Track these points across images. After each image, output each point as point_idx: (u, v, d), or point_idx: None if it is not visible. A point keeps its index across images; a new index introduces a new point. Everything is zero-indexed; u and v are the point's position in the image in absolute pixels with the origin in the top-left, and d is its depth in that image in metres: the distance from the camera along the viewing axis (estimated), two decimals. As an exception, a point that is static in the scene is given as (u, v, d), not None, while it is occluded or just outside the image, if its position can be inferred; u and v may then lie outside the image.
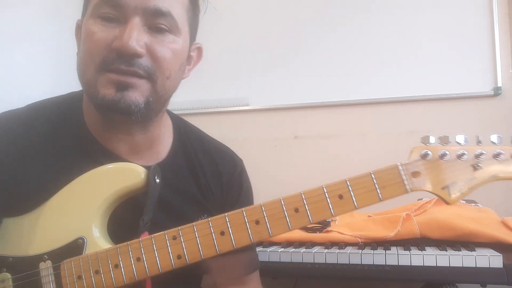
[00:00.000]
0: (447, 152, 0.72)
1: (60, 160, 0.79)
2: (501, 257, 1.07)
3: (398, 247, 1.22)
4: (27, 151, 0.78)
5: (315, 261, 1.18)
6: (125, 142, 0.83)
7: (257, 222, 0.71)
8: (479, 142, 0.73)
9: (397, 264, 1.12)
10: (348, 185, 0.71)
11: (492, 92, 1.70)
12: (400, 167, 0.72)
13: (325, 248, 1.22)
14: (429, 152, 0.73)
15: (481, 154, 0.71)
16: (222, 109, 1.98)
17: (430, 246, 1.22)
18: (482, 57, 1.72)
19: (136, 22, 0.72)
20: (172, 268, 0.71)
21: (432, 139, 0.73)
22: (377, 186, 0.71)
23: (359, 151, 1.81)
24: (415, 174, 0.72)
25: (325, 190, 0.72)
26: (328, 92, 1.87)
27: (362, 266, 1.14)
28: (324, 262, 1.17)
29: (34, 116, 0.82)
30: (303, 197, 0.72)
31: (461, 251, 1.13)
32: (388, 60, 1.81)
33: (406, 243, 1.25)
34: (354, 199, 0.71)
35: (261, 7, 1.98)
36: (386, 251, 1.16)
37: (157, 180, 0.77)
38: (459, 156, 0.72)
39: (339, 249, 1.21)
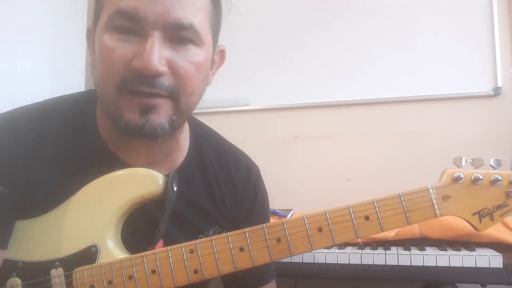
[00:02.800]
0: (481, 177, 0.69)
1: (73, 166, 0.76)
2: (501, 257, 1.07)
3: (398, 247, 1.22)
4: (40, 153, 0.75)
5: (315, 261, 1.18)
6: (141, 153, 0.79)
7: (278, 240, 0.69)
8: None
9: (397, 264, 1.12)
10: (375, 206, 0.68)
11: (492, 92, 1.70)
12: (431, 190, 0.69)
13: (325, 248, 1.22)
14: (462, 176, 0.69)
15: None
16: (222, 109, 1.98)
17: (430, 246, 1.23)
18: (482, 57, 1.71)
19: (156, 37, 0.67)
20: (188, 283, 0.69)
21: (464, 161, 0.70)
22: (405, 209, 0.68)
23: (359, 151, 1.81)
24: (446, 198, 0.69)
25: (351, 210, 0.68)
26: (328, 92, 1.87)
27: (362, 266, 1.14)
28: (324, 262, 1.17)
29: (46, 117, 0.79)
30: (328, 216, 0.68)
31: (461, 251, 1.13)
32: (388, 60, 1.81)
33: (406, 243, 1.26)
34: (381, 221, 0.68)
35: (261, 8, 1.98)
36: (386, 251, 1.16)
37: (175, 188, 0.74)
38: (493, 182, 0.69)
39: (339, 249, 1.21)
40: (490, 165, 0.69)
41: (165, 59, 0.68)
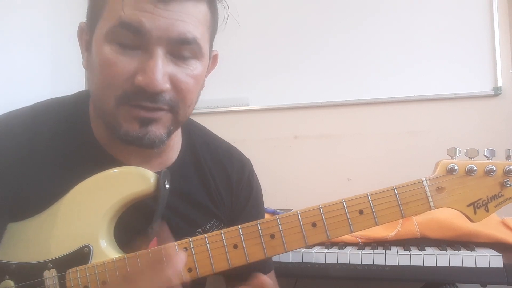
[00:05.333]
0: (475, 168, 0.68)
1: (66, 167, 0.76)
2: (501, 257, 1.07)
3: (398, 247, 1.22)
4: (32, 156, 0.75)
5: (315, 261, 1.18)
6: (134, 153, 0.79)
7: (272, 236, 0.68)
8: (508, 156, 0.69)
9: (397, 264, 1.12)
10: (369, 200, 0.68)
11: (492, 92, 1.70)
12: (425, 182, 0.68)
13: (325, 248, 1.23)
14: (456, 167, 0.68)
15: (511, 171, 0.67)
16: (222, 109, 1.98)
17: (430, 246, 1.23)
18: (482, 57, 1.71)
19: (160, 54, 0.67)
20: (182, 282, 0.68)
21: (458, 152, 0.69)
22: (400, 202, 0.68)
23: (359, 151, 1.81)
24: (440, 190, 0.68)
25: (344, 205, 0.68)
26: (328, 92, 1.87)
27: (362, 266, 1.14)
28: (324, 262, 1.17)
29: (39, 119, 0.79)
30: (321, 211, 0.68)
31: (461, 251, 1.13)
32: (388, 60, 1.81)
33: (406, 243, 1.25)
34: (375, 215, 0.67)
35: (261, 8, 1.98)
36: (386, 251, 1.16)
37: (167, 186, 0.74)
38: (488, 172, 0.68)
39: (339, 249, 1.21)
40: (485, 155, 0.69)
41: (167, 75, 0.69)
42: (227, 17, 0.80)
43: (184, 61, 0.71)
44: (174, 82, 0.70)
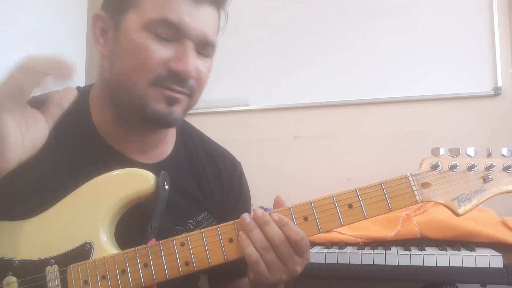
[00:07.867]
0: (458, 164, 0.72)
1: (66, 161, 0.78)
2: (501, 257, 1.07)
3: (398, 247, 1.22)
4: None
5: (315, 261, 1.18)
6: (133, 141, 0.84)
7: None
8: (489, 154, 0.73)
9: (397, 264, 1.12)
10: (357, 194, 0.72)
11: (492, 92, 1.70)
12: (410, 178, 0.72)
13: (325, 248, 1.23)
14: (440, 164, 0.73)
15: (492, 166, 0.71)
16: (222, 109, 1.98)
17: (430, 246, 1.23)
18: (482, 57, 1.71)
19: (191, 46, 0.77)
20: (179, 275, 0.71)
21: (442, 151, 0.73)
22: (387, 196, 0.72)
23: (359, 151, 1.81)
24: (425, 185, 0.72)
25: (334, 199, 0.72)
26: (328, 92, 1.87)
27: (362, 266, 1.14)
28: (324, 262, 1.17)
29: None
30: (313, 205, 0.72)
31: (461, 251, 1.13)
32: (388, 60, 1.81)
33: (406, 243, 1.26)
34: (363, 209, 0.71)
35: (261, 8, 1.98)
36: (386, 251, 1.16)
37: (166, 187, 0.76)
38: (470, 168, 0.72)
39: (339, 249, 1.21)
40: (466, 154, 0.72)
41: (195, 66, 0.78)
42: (226, 23, 0.89)
43: (204, 57, 0.82)
44: (198, 72, 0.80)
